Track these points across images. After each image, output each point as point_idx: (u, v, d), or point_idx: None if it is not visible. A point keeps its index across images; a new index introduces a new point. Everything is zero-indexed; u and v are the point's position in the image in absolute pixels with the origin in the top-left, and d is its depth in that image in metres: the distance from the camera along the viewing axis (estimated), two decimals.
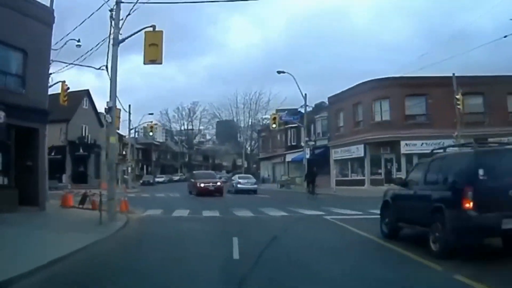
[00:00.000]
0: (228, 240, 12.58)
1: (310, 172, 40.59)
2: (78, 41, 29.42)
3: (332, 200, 30.19)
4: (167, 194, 41.87)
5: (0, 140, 18.26)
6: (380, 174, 45.00)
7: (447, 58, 64.81)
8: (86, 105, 55.77)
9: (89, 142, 54.55)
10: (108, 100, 18.30)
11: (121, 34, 18.80)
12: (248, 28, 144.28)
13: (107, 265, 10.08)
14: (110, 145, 17.80)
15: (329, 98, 55.02)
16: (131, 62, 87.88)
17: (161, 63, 18.08)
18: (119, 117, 32.05)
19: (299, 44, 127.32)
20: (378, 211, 14.06)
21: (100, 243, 12.65)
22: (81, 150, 51.13)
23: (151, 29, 17.88)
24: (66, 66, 26.76)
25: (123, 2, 18.82)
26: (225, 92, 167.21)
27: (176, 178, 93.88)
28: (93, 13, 21.12)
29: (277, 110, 68.44)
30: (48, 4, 22.79)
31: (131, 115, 44.10)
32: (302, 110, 50.78)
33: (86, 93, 55.28)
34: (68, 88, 28.48)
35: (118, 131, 67.48)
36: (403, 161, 43.09)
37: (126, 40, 18.84)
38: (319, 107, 58.99)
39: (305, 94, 47.46)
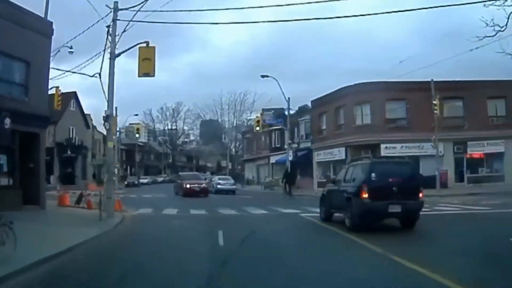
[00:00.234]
0: (214, 232, 15.47)
1: (286, 174, 45.04)
2: (71, 47, 31.93)
3: (311, 200, 32.96)
4: (153, 195, 44.52)
5: (6, 144, 20.87)
6: None
7: (438, 62, 67.55)
8: (73, 107, 58.03)
9: (76, 143, 56.86)
10: (106, 109, 21.06)
11: (117, 48, 21.56)
12: (234, 24, 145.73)
13: (116, 250, 13.11)
14: (108, 149, 20.51)
15: (312, 101, 57.70)
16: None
17: (153, 76, 20.80)
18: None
19: (286, 41, 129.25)
20: None
21: (105, 235, 15.51)
22: (68, 152, 53.38)
23: (144, 44, 20.65)
24: (64, 73, 29.16)
25: (119, 20, 21.56)
26: (209, 92, 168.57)
27: (160, 179, 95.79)
28: (88, 28, 23.83)
29: (263, 110, 70.40)
30: (42, 15, 25.47)
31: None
32: (286, 112, 53.32)
33: (74, 95, 57.53)
34: (62, 94, 31.04)
35: (100, 131, 70.19)
36: None
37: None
38: (302, 110, 61.77)
39: (288, 98, 49.90)
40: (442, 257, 11.07)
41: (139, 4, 21.10)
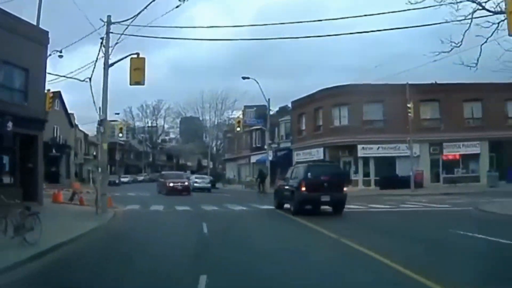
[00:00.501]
0: (199, 224, 18.80)
1: (260, 174, 50.55)
2: (60, 51, 34.77)
3: None
4: (137, 193, 47.41)
5: (8, 146, 23.84)
6: None
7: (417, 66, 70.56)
8: (57, 107, 60.33)
9: (60, 142, 59.38)
10: (99, 113, 24.19)
11: (110, 59, 24.59)
12: (216, 18, 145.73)
13: (118, 236, 16.46)
14: (103, 151, 23.59)
15: (292, 102, 60.98)
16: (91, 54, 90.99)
17: (144, 84, 23.85)
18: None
19: (270, 36, 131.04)
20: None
21: (104, 226, 18.73)
22: (53, 151, 55.78)
23: (135, 55, 23.68)
24: (57, 78, 32.12)
25: (112, 33, 24.59)
26: (190, 88, 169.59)
27: (140, 178, 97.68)
28: (82, 37, 26.83)
29: (245, 107, 72.93)
30: (34, 23, 28.41)
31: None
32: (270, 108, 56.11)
33: (58, 95, 59.81)
34: (53, 96, 33.97)
35: (81, 129, 72.77)
36: (360, 163, 49.39)
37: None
38: (283, 110, 65.21)
39: (269, 99, 53.14)
40: (384, 241, 14.51)
41: (131, 18, 24.24)
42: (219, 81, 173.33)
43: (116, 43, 24.64)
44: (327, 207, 23.72)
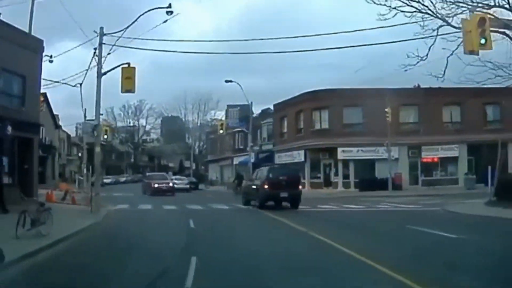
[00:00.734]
0: (186, 220, 21.67)
1: (237, 176, 54.49)
2: (51, 57, 37.25)
3: None
4: (122, 194, 49.74)
5: (7, 148, 26.44)
6: (320, 178, 53.78)
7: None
8: (44, 108, 62.37)
9: (46, 143, 61.26)
10: (94, 118, 26.91)
11: (102, 68, 27.26)
12: (199, 15, 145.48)
13: (115, 230, 19.37)
14: (96, 154, 26.35)
15: (274, 105, 63.59)
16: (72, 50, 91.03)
17: (134, 92, 26.55)
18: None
19: (255, 34, 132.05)
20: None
21: (100, 223, 21.46)
22: (40, 152, 57.74)
23: (126, 65, 26.36)
24: (51, 83, 34.74)
25: (105, 44, 27.26)
26: (173, 88, 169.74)
27: (122, 179, 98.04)
28: (76, 46, 29.48)
29: (228, 106, 75.12)
30: (26, 30, 30.93)
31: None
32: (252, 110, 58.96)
33: (44, 95, 61.76)
34: (44, 100, 36.55)
35: (64, 129, 74.86)
36: (340, 166, 52.26)
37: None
38: (265, 113, 67.89)
39: (251, 102, 56.00)
40: (344, 233, 17.50)
41: (122, 30, 26.95)
42: (202, 79, 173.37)
43: (109, 53, 27.35)
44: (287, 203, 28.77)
